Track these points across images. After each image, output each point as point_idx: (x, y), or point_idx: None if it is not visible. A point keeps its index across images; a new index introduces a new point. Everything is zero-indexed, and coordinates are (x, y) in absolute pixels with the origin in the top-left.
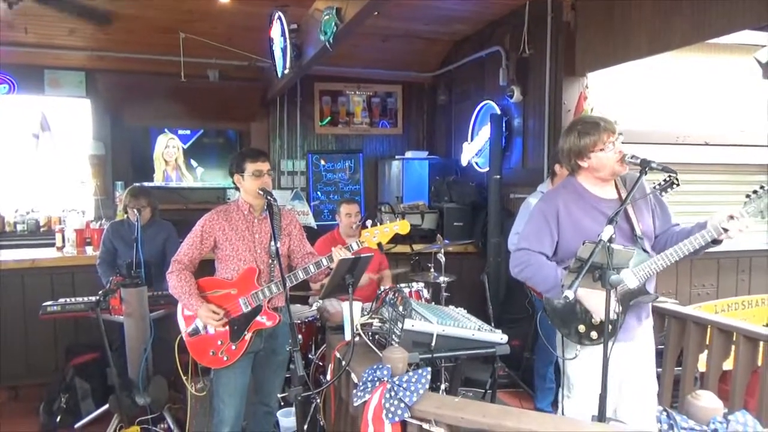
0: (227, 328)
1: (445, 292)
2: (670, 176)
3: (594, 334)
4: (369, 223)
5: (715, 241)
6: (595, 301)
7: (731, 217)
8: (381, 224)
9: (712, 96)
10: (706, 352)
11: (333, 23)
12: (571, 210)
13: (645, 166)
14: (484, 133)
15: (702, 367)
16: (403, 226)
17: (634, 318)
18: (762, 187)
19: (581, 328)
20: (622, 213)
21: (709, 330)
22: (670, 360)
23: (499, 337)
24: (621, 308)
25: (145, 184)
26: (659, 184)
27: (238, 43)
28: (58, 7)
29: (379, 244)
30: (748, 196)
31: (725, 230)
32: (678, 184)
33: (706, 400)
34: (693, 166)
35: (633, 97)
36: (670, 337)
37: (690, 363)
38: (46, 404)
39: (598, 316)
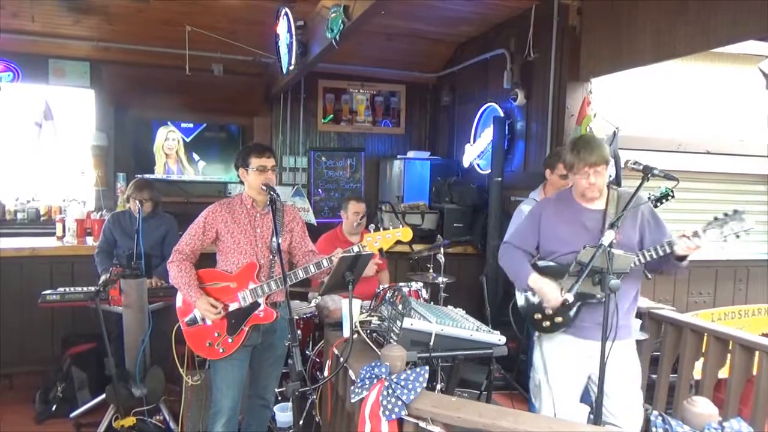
0: (225, 320)
1: (444, 293)
2: (666, 189)
3: (546, 323)
4: (372, 227)
5: (679, 258)
6: (546, 289)
7: (684, 236)
8: (383, 228)
9: (714, 105)
10: (701, 359)
11: (340, 21)
12: (553, 217)
13: (647, 172)
14: (487, 136)
15: (697, 374)
16: (405, 233)
17: (593, 321)
18: (726, 214)
19: (537, 316)
20: (600, 221)
21: (705, 338)
22: (666, 367)
23: (496, 338)
24: (571, 303)
25: (146, 176)
26: (654, 196)
27: (244, 38)
28: None
29: (380, 250)
30: (715, 218)
31: (674, 247)
32: (673, 196)
33: (702, 407)
34: (693, 174)
35: (636, 103)
36: (666, 344)
37: (686, 370)
38: (42, 393)
39: (548, 304)
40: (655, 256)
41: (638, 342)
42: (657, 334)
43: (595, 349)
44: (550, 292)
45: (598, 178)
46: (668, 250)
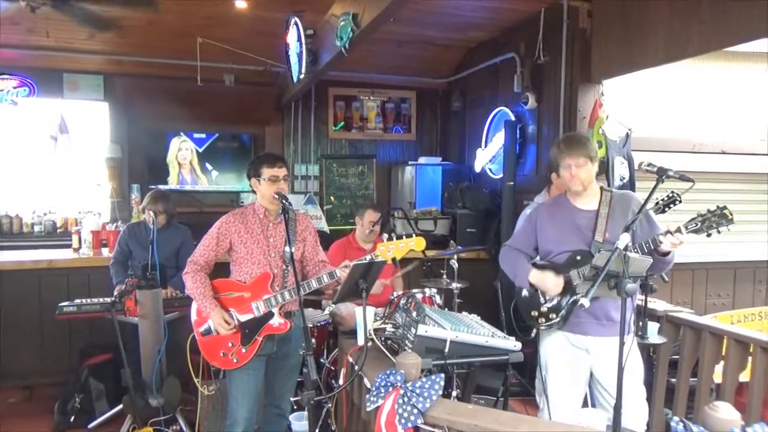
0: (239, 330)
1: (458, 299)
2: (673, 193)
3: (542, 320)
4: (385, 236)
5: (662, 254)
6: (546, 280)
7: (669, 232)
8: (396, 236)
9: (729, 104)
10: (722, 363)
11: (349, 29)
12: (547, 219)
13: (662, 174)
14: (498, 140)
15: (718, 378)
16: (418, 243)
17: (589, 314)
18: (710, 210)
19: (534, 313)
20: (592, 221)
21: (725, 341)
22: (685, 371)
23: (512, 344)
24: (565, 299)
25: (161, 186)
26: (661, 200)
27: (254, 48)
28: (69, 13)
29: (394, 259)
30: (699, 214)
31: (661, 242)
32: (680, 201)
33: (724, 412)
34: (709, 175)
35: (649, 104)
36: (685, 348)
37: (705, 374)
38: (61, 404)
39: (550, 293)
40: (646, 249)
41: (656, 346)
42: (675, 338)
43: (593, 343)
44: (550, 281)
45: (579, 171)
46: (653, 246)
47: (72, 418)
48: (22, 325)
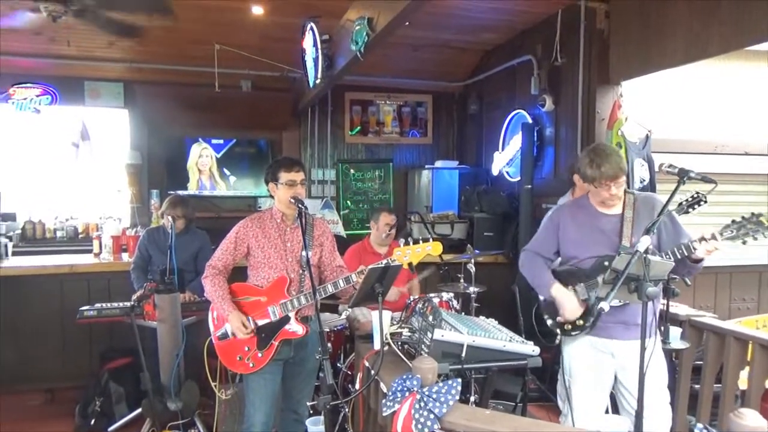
0: (255, 335)
1: (475, 303)
2: (697, 193)
3: (568, 326)
4: (402, 241)
5: (695, 260)
6: (566, 303)
7: (703, 239)
8: (413, 240)
9: (751, 104)
10: (747, 368)
11: (364, 33)
12: (570, 223)
13: (683, 175)
14: (516, 143)
15: (743, 384)
16: (435, 248)
17: (616, 319)
18: (744, 217)
19: (559, 319)
20: (617, 225)
21: (750, 346)
22: (709, 377)
23: (530, 348)
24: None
25: (180, 192)
26: (686, 201)
27: (271, 54)
28: (91, 20)
29: (410, 264)
30: (733, 221)
31: (695, 249)
32: (705, 202)
33: (750, 419)
34: (732, 177)
35: (669, 105)
36: (708, 353)
37: (730, 380)
38: (82, 407)
39: (564, 316)
40: (679, 256)
41: (678, 351)
42: (698, 343)
43: (619, 347)
44: (569, 306)
45: (619, 189)
46: (686, 253)
47: (92, 421)
48: (45, 329)
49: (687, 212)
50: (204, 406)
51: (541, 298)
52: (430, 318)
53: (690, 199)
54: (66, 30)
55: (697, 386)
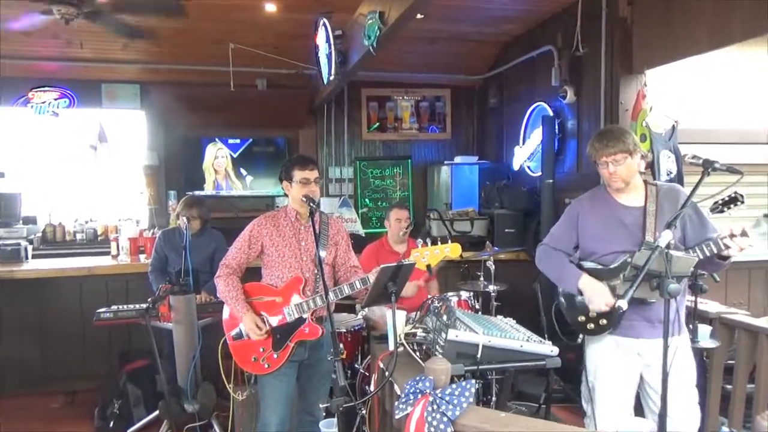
0: (270, 336)
1: (496, 302)
2: (735, 193)
3: (591, 326)
4: (420, 242)
5: (722, 257)
6: (596, 293)
7: (733, 235)
8: (431, 239)
9: None
10: None
11: (376, 27)
12: (590, 216)
13: (707, 167)
14: (536, 137)
15: None
16: (454, 250)
17: (641, 317)
18: None
19: (581, 318)
20: (640, 218)
21: None
22: (742, 377)
23: (548, 348)
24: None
25: (197, 192)
26: (721, 200)
27: (286, 52)
28: (104, 23)
29: (428, 266)
30: (766, 215)
31: (727, 246)
32: (743, 202)
33: None
34: (759, 167)
35: (694, 94)
36: (740, 352)
37: (764, 380)
38: (101, 409)
39: (593, 306)
40: (708, 254)
41: (709, 350)
42: (730, 342)
43: (645, 346)
44: (600, 296)
45: (617, 167)
46: (715, 250)
47: (111, 424)
48: (65, 331)
49: (722, 211)
50: (221, 408)
51: (561, 298)
52: (445, 318)
53: (726, 198)
54: (80, 32)
55: (729, 387)
